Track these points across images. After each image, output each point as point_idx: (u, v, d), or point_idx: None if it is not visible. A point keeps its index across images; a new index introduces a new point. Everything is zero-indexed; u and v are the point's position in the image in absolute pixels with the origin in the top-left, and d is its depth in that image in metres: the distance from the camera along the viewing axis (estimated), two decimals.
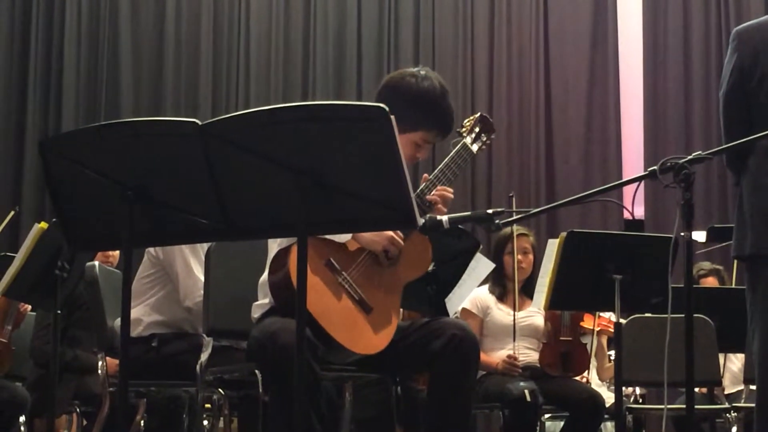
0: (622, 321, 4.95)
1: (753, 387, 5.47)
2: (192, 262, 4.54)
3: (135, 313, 4.46)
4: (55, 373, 4.99)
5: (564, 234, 4.68)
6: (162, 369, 4.49)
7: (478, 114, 4.02)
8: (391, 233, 3.59)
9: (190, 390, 4.75)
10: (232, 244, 4.28)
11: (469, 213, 3.65)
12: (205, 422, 5.15)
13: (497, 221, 3.46)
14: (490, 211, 3.49)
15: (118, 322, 4.32)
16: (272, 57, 9.69)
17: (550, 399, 5.53)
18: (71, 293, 5.38)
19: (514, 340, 5.70)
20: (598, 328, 6.24)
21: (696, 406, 3.39)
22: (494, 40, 9.80)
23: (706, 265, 6.80)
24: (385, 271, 3.67)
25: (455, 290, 4.53)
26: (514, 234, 5.78)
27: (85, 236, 3.11)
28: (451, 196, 3.76)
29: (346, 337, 3.50)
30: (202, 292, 4.39)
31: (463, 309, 5.76)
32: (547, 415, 5.92)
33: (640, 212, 9.18)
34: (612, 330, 5.55)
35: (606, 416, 5.83)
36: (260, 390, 3.89)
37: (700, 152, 3.20)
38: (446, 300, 4.34)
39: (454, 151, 3.84)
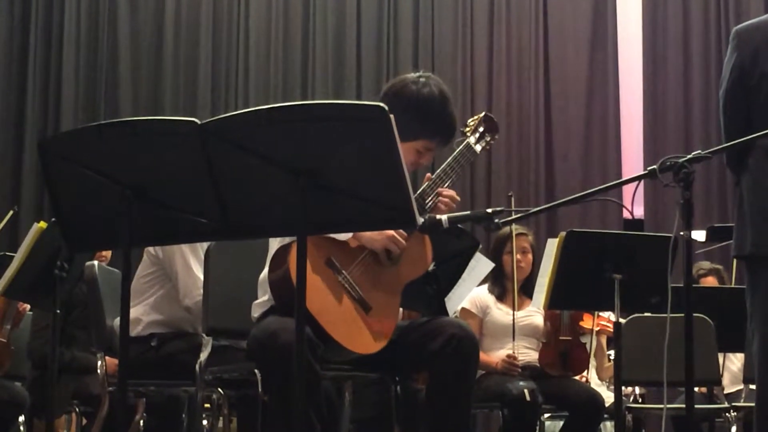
0: (622, 320, 4.94)
1: (752, 386, 5.47)
2: (191, 262, 4.53)
3: (134, 312, 4.46)
4: (54, 373, 4.98)
5: (563, 233, 4.67)
6: (161, 368, 4.48)
7: (483, 114, 4.02)
8: (392, 232, 3.59)
9: (189, 389, 4.75)
10: (231, 243, 4.27)
11: (468, 212, 3.65)
12: (205, 422, 5.15)
13: (496, 221, 3.46)
14: (489, 210, 3.49)
15: (117, 321, 4.32)
16: (271, 57, 9.69)
17: (549, 399, 5.53)
18: (70, 293, 5.38)
19: (514, 340, 5.69)
20: (598, 328, 6.23)
21: (695, 406, 3.39)
22: (494, 39, 9.80)
23: (706, 264, 6.80)
24: (386, 270, 3.67)
25: (454, 290, 4.53)
26: (514, 233, 5.78)
27: (84, 236, 3.11)
28: (458, 198, 3.77)
29: (344, 335, 3.50)
30: (201, 291, 4.38)
31: (463, 308, 5.76)
32: (546, 415, 5.92)
33: (639, 212, 9.18)
34: (611, 329, 5.53)
35: (605, 416, 5.83)
36: (260, 390, 3.89)
37: (699, 151, 3.20)
38: (445, 299, 4.33)
39: (457, 150, 3.85)
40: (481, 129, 3.93)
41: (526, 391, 5.32)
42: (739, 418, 5.66)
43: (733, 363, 6.50)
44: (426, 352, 3.64)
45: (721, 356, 5.74)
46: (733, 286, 6.48)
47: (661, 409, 4.00)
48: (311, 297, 2.95)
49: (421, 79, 3.80)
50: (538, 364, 5.72)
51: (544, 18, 9.78)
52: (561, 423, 5.85)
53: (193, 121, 2.79)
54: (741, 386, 6.22)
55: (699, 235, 6.66)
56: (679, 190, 3.10)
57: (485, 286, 5.87)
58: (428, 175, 3.79)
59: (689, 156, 3.15)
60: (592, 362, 6.64)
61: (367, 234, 3.59)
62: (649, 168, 3.20)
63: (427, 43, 9.76)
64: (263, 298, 3.70)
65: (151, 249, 4.63)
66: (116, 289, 4.13)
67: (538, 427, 5.57)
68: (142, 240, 3.20)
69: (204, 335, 4.32)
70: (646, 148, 9.56)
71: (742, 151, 3.53)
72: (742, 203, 3.53)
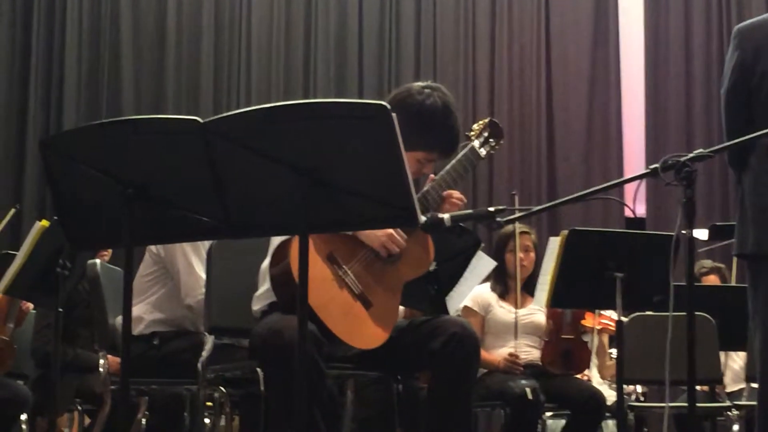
0: (624, 319, 4.94)
1: (754, 385, 5.46)
2: (193, 260, 4.54)
3: (136, 311, 4.46)
4: (57, 372, 4.98)
5: (565, 232, 4.68)
6: (163, 367, 4.49)
7: (488, 119, 4.03)
8: (391, 231, 3.60)
9: (191, 388, 4.75)
10: (233, 242, 4.27)
11: (470, 211, 3.66)
12: (207, 420, 5.15)
13: (498, 219, 3.46)
14: (491, 209, 3.50)
15: (119, 320, 4.32)
16: (273, 55, 9.69)
17: (551, 397, 5.53)
18: (72, 291, 5.38)
19: (516, 338, 5.69)
20: (600, 326, 6.23)
21: (697, 405, 3.40)
22: (495, 38, 9.80)
23: (708, 263, 6.80)
24: (387, 267, 3.67)
25: (456, 288, 4.53)
26: (516, 232, 5.78)
27: (86, 234, 3.11)
28: (465, 200, 3.79)
29: (344, 330, 3.51)
30: (203, 290, 4.39)
31: (465, 307, 5.76)
32: (548, 414, 5.92)
33: (641, 210, 9.17)
34: (613, 328, 5.53)
35: (607, 414, 5.84)
36: (261, 388, 3.89)
37: (701, 150, 3.20)
38: (447, 298, 4.34)
39: (461, 153, 3.86)
40: (485, 134, 3.94)
41: (527, 389, 5.32)
42: (741, 416, 5.66)
43: (735, 361, 6.50)
44: (427, 350, 3.65)
45: (723, 355, 5.74)
46: (734, 284, 6.48)
47: (663, 407, 4.00)
48: (312, 290, 2.95)
49: (426, 90, 3.80)
50: (540, 363, 5.72)
51: (546, 17, 9.78)
52: (563, 422, 5.85)
53: (195, 120, 2.79)
54: (743, 385, 6.22)
55: (701, 233, 6.66)
56: (681, 188, 3.10)
57: (487, 285, 5.87)
58: (431, 176, 3.80)
59: (691, 155, 3.14)
60: (594, 361, 6.63)
61: (368, 230, 3.59)
62: (651, 167, 3.20)
63: (429, 42, 9.76)
64: (263, 289, 3.70)
65: (152, 248, 4.63)
66: (118, 288, 4.12)
67: (539, 426, 5.57)
68: (144, 238, 3.21)
69: (206, 334, 4.32)
70: (648, 146, 9.56)
71: (744, 149, 3.53)
72: (744, 202, 3.53)
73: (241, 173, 2.82)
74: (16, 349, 5.74)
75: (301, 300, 2.80)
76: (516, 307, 5.74)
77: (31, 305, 5.81)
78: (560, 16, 9.80)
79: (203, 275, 4.42)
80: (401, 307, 4.06)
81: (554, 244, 4.76)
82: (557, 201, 4.62)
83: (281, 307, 3.56)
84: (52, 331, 5.07)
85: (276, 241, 3.67)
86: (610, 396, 5.92)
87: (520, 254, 5.81)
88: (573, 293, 4.73)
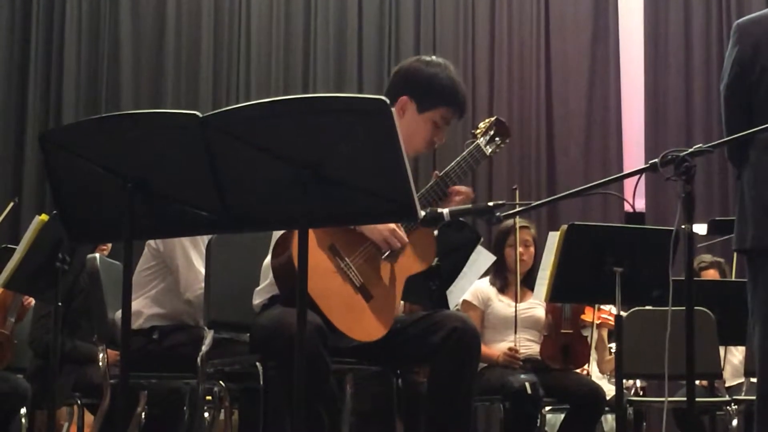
0: (623, 314, 4.95)
1: (754, 380, 5.47)
2: (192, 255, 4.54)
3: (135, 305, 4.46)
4: (56, 365, 4.99)
5: (565, 226, 4.68)
6: (163, 361, 4.49)
7: (494, 118, 4.05)
8: (393, 226, 3.60)
9: (191, 382, 4.75)
10: (232, 236, 4.27)
11: (470, 206, 3.66)
12: (206, 414, 5.15)
13: (498, 214, 3.46)
14: (491, 203, 3.49)
15: (118, 314, 4.32)
16: (273, 50, 9.68)
17: (550, 391, 5.54)
18: (72, 283, 5.38)
19: (515, 333, 5.70)
20: (599, 321, 6.24)
21: (696, 399, 3.39)
22: (495, 33, 9.79)
23: (707, 257, 6.81)
24: (389, 261, 3.68)
25: (456, 282, 4.53)
26: (516, 226, 5.79)
27: (86, 229, 3.11)
28: (472, 195, 3.81)
29: (344, 322, 3.51)
30: (202, 284, 4.39)
31: (464, 301, 5.76)
32: (547, 408, 5.92)
33: (641, 205, 9.17)
34: (612, 323, 5.55)
35: (606, 409, 5.84)
36: (261, 382, 3.89)
37: (701, 145, 3.20)
38: (447, 292, 4.34)
39: (466, 151, 3.87)
40: (491, 132, 3.95)
41: (527, 384, 5.33)
42: (740, 411, 5.66)
43: (735, 356, 6.51)
44: (427, 345, 3.65)
45: (722, 349, 5.74)
46: (734, 279, 6.48)
47: (663, 402, 4.01)
48: (313, 282, 2.96)
49: (429, 58, 3.92)
50: (539, 357, 5.72)
51: (545, 12, 9.77)
52: (562, 416, 5.85)
53: (194, 115, 2.79)
54: (742, 379, 6.22)
55: (700, 228, 6.66)
56: (681, 183, 3.09)
57: (487, 279, 5.87)
58: (435, 172, 3.80)
59: (690, 149, 3.14)
60: (594, 355, 6.64)
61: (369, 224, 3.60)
62: (650, 161, 3.20)
63: (429, 37, 9.75)
64: (264, 283, 3.71)
65: (151, 242, 4.63)
66: (117, 282, 4.12)
67: (539, 420, 5.57)
68: (143, 233, 3.21)
69: (205, 328, 4.32)
70: (647, 141, 9.56)
71: (744, 144, 3.53)
72: (743, 197, 3.53)
73: (240, 168, 2.82)
74: (16, 344, 5.74)
75: (300, 293, 2.81)
76: (515, 301, 5.74)
77: (32, 301, 5.81)
78: (560, 12, 9.79)
79: (202, 270, 4.42)
80: (401, 302, 4.06)
81: (554, 238, 4.76)
82: (556, 196, 4.63)
83: (283, 299, 3.56)
84: (51, 320, 5.08)
85: (277, 235, 3.67)
86: (610, 390, 5.92)
87: (519, 249, 5.82)
88: (572, 288, 4.74)
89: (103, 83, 9.43)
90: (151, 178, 2.91)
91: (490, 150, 3.93)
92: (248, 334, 3.83)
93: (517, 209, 4.09)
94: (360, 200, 2.82)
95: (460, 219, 3.62)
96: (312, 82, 9.59)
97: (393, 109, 2.69)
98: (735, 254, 6.11)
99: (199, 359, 4.23)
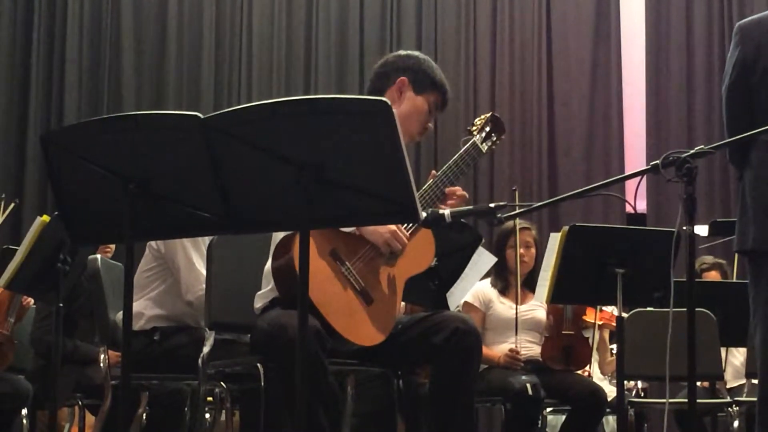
0: (624, 315, 4.95)
1: (755, 381, 5.46)
2: (193, 256, 4.54)
3: (137, 306, 4.46)
4: (57, 365, 4.99)
5: (566, 228, 4.68)
6: (164, 362, 4.49)
7: (490, 114, 4.05)
8: (394, 228, 3.60)
9: (192, 383, 4.75)
10: (234, 237, 4.27)
11: (471, 207, 3.66)
12: (207, 416, 5.16)
13: (499, 215, 3.46)
14: (492, 205, 3.49)
15: (119, 315, 4.32)
16: (274, 51, 9.68)
17: (551, 393, 5.53)
18: (74, 284, 5.38)
19: (516, 334, 5.70)
20: (600, 322, 6.24)
21: (698, 401, 3.39)
22: (497, 33, 9.79)
23: (709, 259, 6.80)
24: (389, 263, 3.68)
25: (457, 284, 4.53)
26: (517, 228, 5.78)
27: (87, 230, 3.11)
28: (467, 196, 3.81)
29: (344, 326, 3.51)
30: (203, 285, 4.39)
31: (465, 302, 5.76)
32: (548, 409, 5.93)
33: (642, 206, 9.17)
34: (614, 324, 5.54)
35: (608, 410, 5.84)
36: (262, 383, 3.89)
37: (702, 146, 3.20)
38: (448, 294, 4.34)
39: (462, 149, 3.87)
40: (487, 128, 3.95)
41: (528, 385, 5.33)
42: (742, 412, 5.65)
43: (736, 357, 6.50)
44: (429, 346, 3.65)
45: (723, 351, 5.74)
46: (735, 280, 6.48)
47: (664, 403, 4.00)
48: (313, 287, 2.96)
49: (409, 53, 4.09)
50: (540, 359, 5.72)
51: (547, 13, 9.77)
52: (563, 417, 5.86)
53: (195, 116, 2.79)
54: (743, 381, 6.22)
55: (702, 229, 6.65)
56: (682, 185, 3.10)
57: (488, 280, 5.87)
58: (432, 171, 3.80)
59: (692, 151, 3.14)
60: (595, 356, 6.64)
61: (371, 227, 3.60)
62: (652, 163, 3.20)
63: (430, 37, 9.75)
64: (266, 288, 3.71)
65: (153, 243, 4.63)
66: (119, 283, 4.13)
67: (540, 422, 5.57)
68: (145, 234, 3.21)
69: (206, 329, 4.33)
70: (648, 142, 9.55)
71: (745, 146, 3.53)
72: (745, 198, 3.53)
73: (242, 169, 2.82)
74: (17, 345, 5.74)
75: (301, 295, 2.80)
76: (516, 303, 5.74)
77: (31, 300, 5.81)
78: (561, 12, 9.79)
79: (203, 271, 4.42)
80: (402, 303, 4.06)
81: (555, 240, 4.76)
82: (558, 197, 4.63)
83: (283, 302, 3.56)
84: (52, 321, 5.08)
85: (277, 237, 3.67)
86: (611, 392, 5.92)
87: (520, 250, 5.81)
88: (573, 289, 4.74)
89: (105, 84, 9.43)
90: (153, 180, 2.91)
91: (486, 147, 3.94)
92: (249, 336, 3.83)
93: (519, 210, 4.09)
94: (361, 201, 2.82)
95: (461, 220, 3.62)
96: (313, 83, 9.59)
97: (395, 111, 2.69)
98: (736, 255, 6.11)
99: (200, 360, 4.23)
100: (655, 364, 3.76)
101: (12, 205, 6.85)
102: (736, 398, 5.80)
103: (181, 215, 2.96)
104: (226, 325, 4.35)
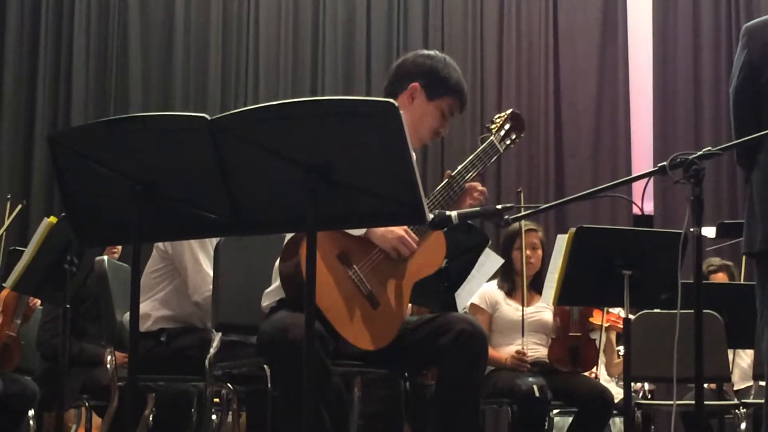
0: (631, 317, 4.94)
1: (762, 383, 5.46)
2: (200, 257, 4.54)
3: (143, 307, 4.46)
4: (64, 367, 4.99)
5: (573, 229, 4.67)
6: (171, 364, 4.49)
7: (510, 111, 4.04)
8: (402, 233, 3.59)
9: (198, 385, 4.75)
10: (241, 238, 4.28)
11: (478, 208, 3.65)
12: (214, 417, 5.16)
13: (506, 217, 3.45)
14: (499, 206, 3.48)
15: (126, 316, 4.32)
16: (281, 52, 9.68)
17: (558, 394, 5.53)
18: (80, 286, 5.39)
19: (523, 336, 5.69)
20: (607, 324, 6.24)
21: (705, 402, 3.39)
22: (503, 35, 9.78)
23: (716, 260, 6.79)
24: (397, 267, 3.67)
25: (464, 285, 4.53)
26: (523, 229, 5.78)
27: (94, 231, 3.11)
28: (487, 195, 3.82)
29: (350, 331, 3.51)
30: (210, 287, 4.39)
31: (472, 304, 5.76)
32: (555, 411, 5.93)
33: (649, 208, 9.15)
34: (621, 326, 5.53)
35: (614, 412, 5.83)
36: (269, 385, 3.89)
37: (710, 148, 3.20)
38: (455, 295, 4.33)
39: (480, 148, 3.86)
40: (507, 126, 3.94)
41: (535, 387, 5.32)
42: (749, 414, 5.65)
43: (743, 359, 6.49)
44: (435, 347, 3.64)
45: (730, 353, 5.72)
46: (742, 282, 6.47)
47: (671, 405, 4.00)
48: (320, 291, 2.95)
49: (431, 53, 4.01)
50: (547, 360, 5.72)
51: (554, 14, 9.76)
52: (570, 419, 5.85)
53: (203, 117, 2.79)
54: (751, 383, 6.21)
55: (709, 231, 6.65)
56: (689, 186, 3.09)
57: (494, 282, 5.87)
58: (447, 171, 3.79)
59: (699, 152, 3.14)
60: (602, 358, 6.64)
61: (379, 232, 3.59)
62: (659, 164, 3.20)
63: (437, 39, 9.74)
64: (274, 285, 3.70)
65: (160, 244, 4.63)
66: (125, 284, 4.13)
67: (547, 423, 5.57)
68: (152, 235, 3.21)
69: (213, 330, 4.33)
70: (656, 144, 9.54)
71: (753, 147, 3.52)
72: (752, 199, 3.53)
73: (249, 170, 2.82)
74: (23, 346, 5.75)
75: (308, 297, 2.80)
76: (523, 304, 5.74)
77: (38, 302, 5.82)
78: (568, 14, 9.78)
79: (210, 272, 4.42)
80: (409, 305, 4.06)
81: (562, 241, 4.75)
82: (565, 199, 4.61)
83: (289, 303, 3.56)
84: (58, 323, 5.08)
85: (289, 235, 3.66)
86: (618, 393, 5.92)
87: (527, 252, 5.81)
88: (580, 291, 4.73)
89: (112, 86, 9.44)
90: (160, 181, 2.91)
91: (504, 146, 3.93)
92: (256, 337, 3.82)
93: (526, 212, 4.08)
94: (368, 203, 2.81)
95: (469, 222, 3.61)
96: (320, 84, 9.59)
97: (402, 112, 2.69)
98: (744, 257, 6.10)
99: (207, 362, 4.23)
100: (662, 366, 3.76)
101: (19, 206, 6.85)
102: (743, 400, 5.80)
103: (188, 216, 2.96)
104: (233, 327, 4.35)
